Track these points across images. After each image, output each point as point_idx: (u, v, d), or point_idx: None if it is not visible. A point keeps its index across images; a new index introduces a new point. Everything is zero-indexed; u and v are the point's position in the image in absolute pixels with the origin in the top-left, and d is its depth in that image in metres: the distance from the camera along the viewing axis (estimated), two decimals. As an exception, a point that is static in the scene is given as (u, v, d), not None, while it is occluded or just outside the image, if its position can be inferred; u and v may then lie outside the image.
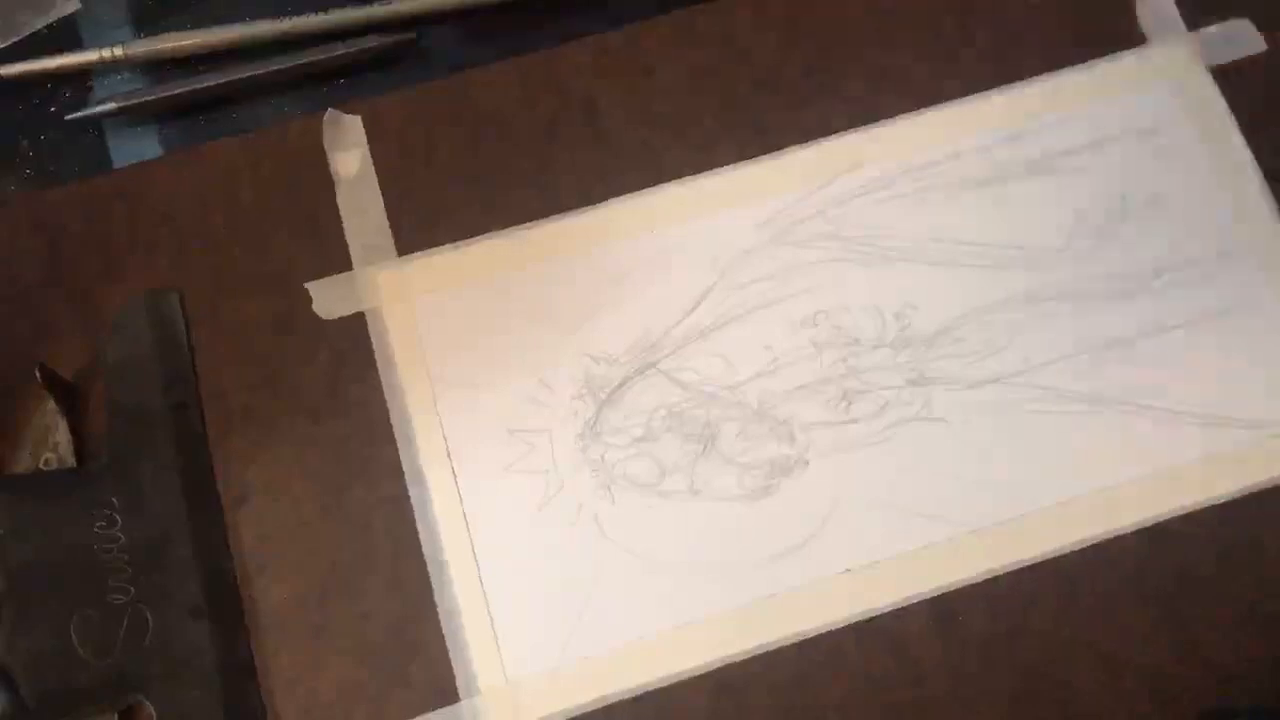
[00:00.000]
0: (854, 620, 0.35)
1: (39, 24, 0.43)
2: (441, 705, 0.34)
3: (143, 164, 0.41)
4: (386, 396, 0.37)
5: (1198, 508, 0.36)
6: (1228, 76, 0.40)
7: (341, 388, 0.37)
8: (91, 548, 0.35)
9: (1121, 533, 0.35)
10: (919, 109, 0.40)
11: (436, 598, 0.35)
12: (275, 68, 0.42)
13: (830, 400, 0.37)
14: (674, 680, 0.35)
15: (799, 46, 0.41)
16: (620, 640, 0.35)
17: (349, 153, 0.40)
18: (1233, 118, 0.40)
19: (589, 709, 0.34)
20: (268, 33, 0.42)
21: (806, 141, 0.40)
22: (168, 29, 0.43)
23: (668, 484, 0.36)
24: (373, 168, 0.40)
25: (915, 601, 0.35)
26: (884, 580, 0.35)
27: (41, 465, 0.37)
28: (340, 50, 0.42)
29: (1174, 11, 0.41)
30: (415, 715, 0.34)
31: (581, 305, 0.38)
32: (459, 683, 0.35)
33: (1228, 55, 0.40)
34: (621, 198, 0.39)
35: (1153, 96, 0.40)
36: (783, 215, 0.39)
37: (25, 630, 0.34)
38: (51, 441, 0.37)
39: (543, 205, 0.39)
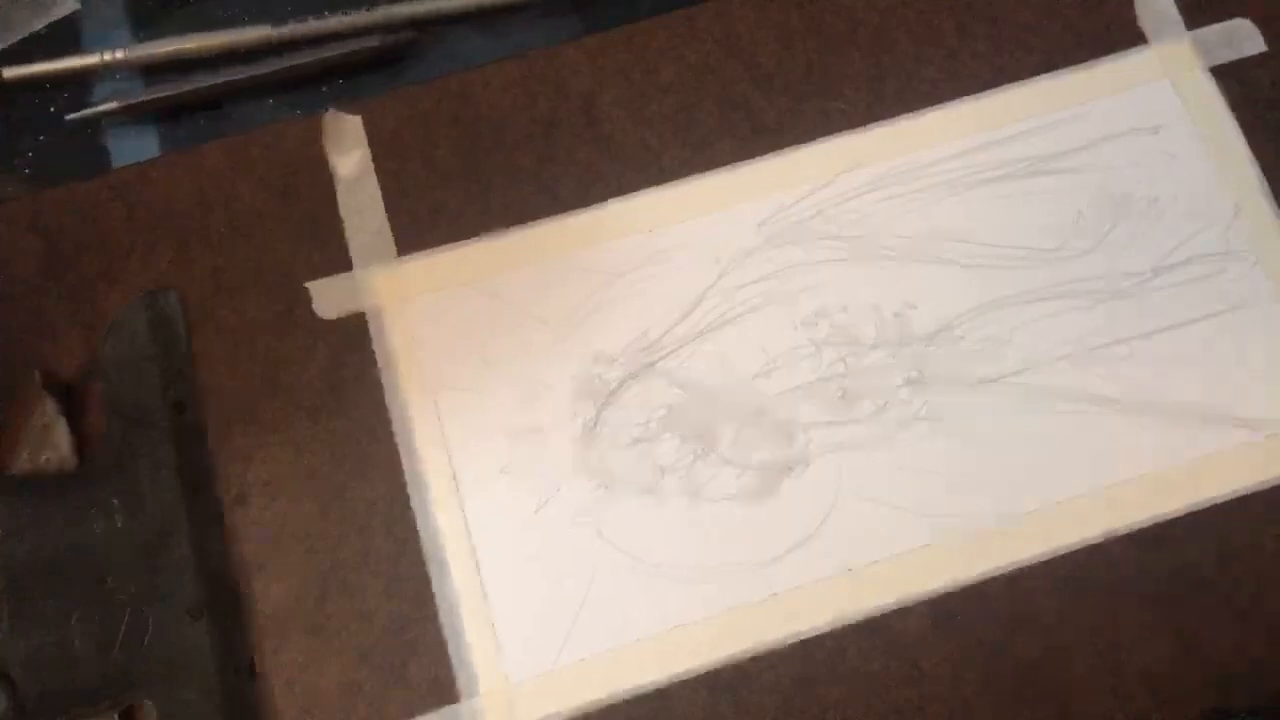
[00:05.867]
0: (854, 620, 0.35)
1: (39, 24, 0.43)
2: (441, 705, 0.34)
3: (142, 164, 0.41)
4: (386, 396, 0.37)
5: (1198, 508, 0.36)
6: (1228, 76, 0.40)
7: (341, 387, 0.37)
8: (91, 548, 0.35)
9: (1121, 533, 0.35)
10: (919, 109, 0.40)
11: (436, 598, 0.35)
12: (275, 68, 0.42)
13: (830, 400, 0.37)
14: (673, 681, 0.35)
15: (799, 46, 0.41)
16: (619, 641, 0.35)
17: (349, 153, 0.40)
18: (1233, 118, 0.40)
19: (588, 709, 0.34)
20: (267, 36, 0.42)
21: (806, 141, 0.40)
22: (167, 29, 0.43)
23: (667, 484, 0.36)
24: (372, 168, 0.40)
25: (915, 601, 0.35)
26: (884, 580, 0.35)
27: (41, 465, 0.37)
28: (340, 50, 0.42)
29: (1174, 11, 0.41)
30: (415, 715, 0.34)
31: (581, 305, 0.38)
32: (458, 683, 0.35)
33: (1228, 55, 0.40)
34: (621, 197, 0.39)
35: (1153, 96, 0.40)
36: (782, 215, 0.39)
37: (25, 630, 0.34)
38: (51, 441, 0.37)
39: (542, 205, 0.39)
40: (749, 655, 0.35)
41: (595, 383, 0.38)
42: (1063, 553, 0.35)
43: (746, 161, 0.40)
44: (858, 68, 0.41)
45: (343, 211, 0.39)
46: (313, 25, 0.42)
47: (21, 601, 0.34)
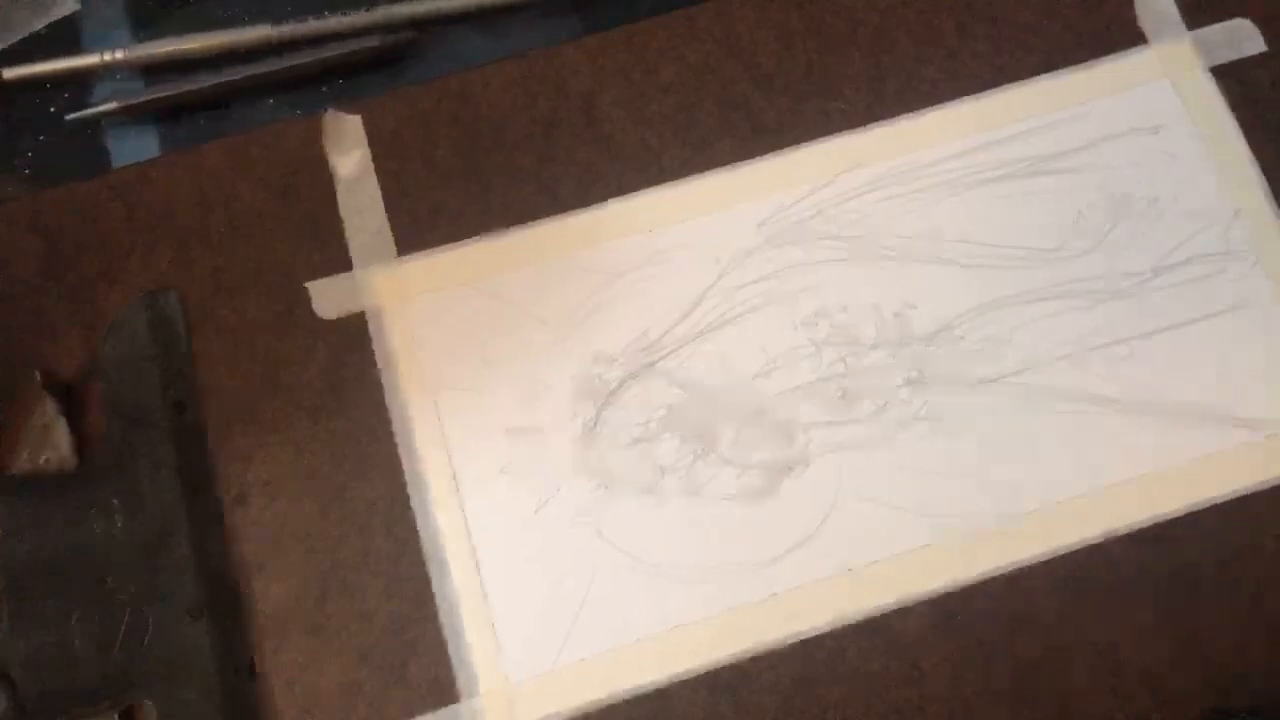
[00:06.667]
0: (854, 620, 0.35)
1: (39, 24, 0.43)
2: (441, 705, 0.34)
3: (142, 164, 0.41)
4: (386, 396, 0.37)
5: (1198, 508, 0.36)
6: (1228, 76, 0.40)
7: (341, 387, 0.37)
8: (91, 548, 0.35)
9: (1121, 533, 0.35)
10: (919, 109, 0.40)
11: (436, 598, 0.35)
12: (275, 68, 0.42)
13: (830, 400, 0.37)
14: (673, 681, 0.35)
15: (799, 46, 0.41)
16: (619, 641, 0.35)
17: (349, 153, 0.40)
18: (1233, 118, 0.40)
19: (587, 709, 0.34)
20: (267, 36, 0.42)
21: (806, 141, 0.40)
22: (167, 29, 0.43)
23: (667, 484, 0.36)
24: (372, 168, 0.40)
25: (915, 601, 0.35)
26: (884, 580, 0.35)
27: (41, 465, 0.37)
28: (340, 50, 0.42)
29: (1174, 11, 0.41)
30: (415, 715, 0.34)
31: (581, 305, 0.38)
32: (459, 683, 0.35)
33: (1228, 55, 0.40)
34: (621, 197, 0.39)
35: (1153, 96, 0.40)
36: (782, 215, 0.39)
37: (25, 630, 0.34)
38: (51, 441, 0.37)
39: (542, 205, 0.39)
40: (749, 655, 0.35)
41: (595, 383, 0.38)
42: (1063, 553, 0.35)
43: (746, 161, 0.40)
44: (858, 68, 0.41)
45: (343, 211, 0.39)
46: (313, 25, 0.42)
47: (21, 601, 0.34)
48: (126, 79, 0.43)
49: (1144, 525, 0.35)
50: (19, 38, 0.43)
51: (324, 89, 0.43)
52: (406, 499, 0.36)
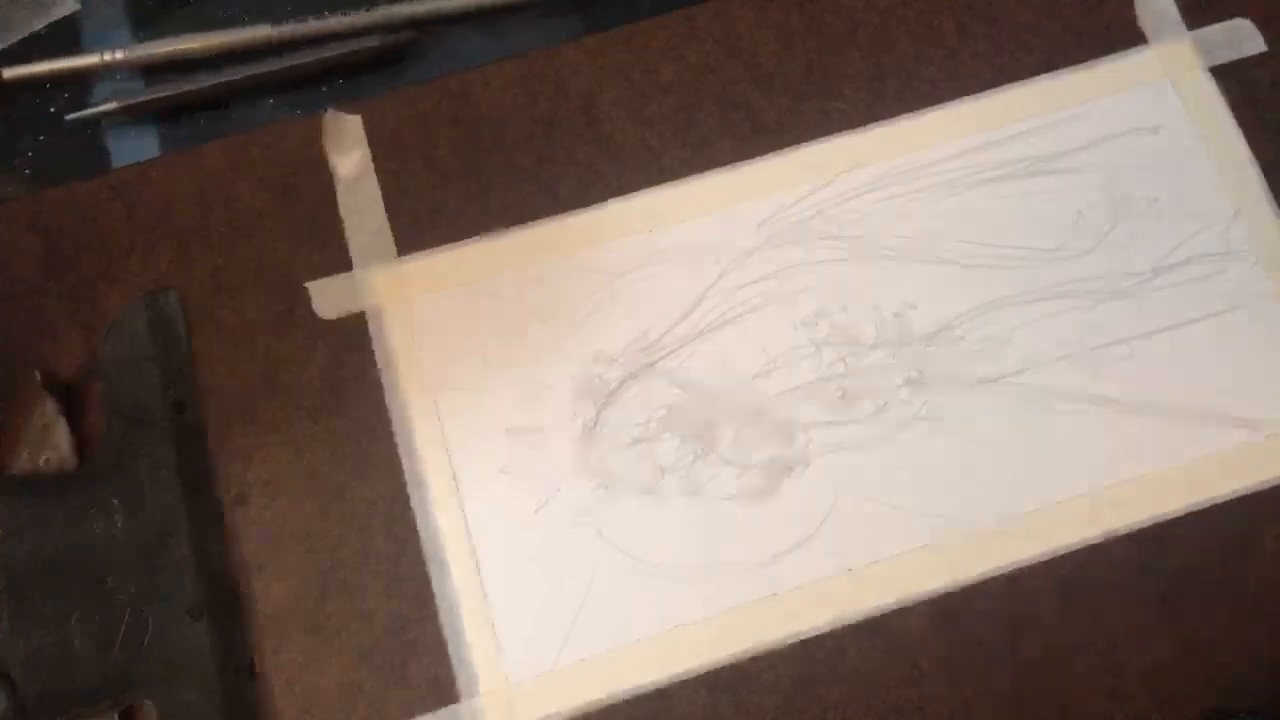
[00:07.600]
0: (854, 620, 0.35)
1: (39, 24, 0.43)
2: (441, 705, 0.34)
3: (142, 164, 0.41)
4: (386, 396, 0.37)
5: (1198, 508, 0.36)
6: (1228, 76, 0.40)
7: (341, 387, 0.37)
8: (91, 548, 0.35)
9: (1121, 533, 0.35)
10: (919, 109, 0.40)
11: (436, 598, 0.35)
12: (275, 68, 0.42)
13: (830, 400, 0.37)
14: (673, 681, 0.35)
15: (799, 46, 0.41)
16: (619, 641, 0.35)
17: (349, 153, 0.40)
18: (1233, 118, 0.40)
19: (588, 709, 0.34)
20: (267, 36, 0.42)
21: (807, 141, 0.40)
22: (167, 29, 0.43)
23: (667, 484, 0.36)
24: (372, 168, 0.40)
25: (915, 601, 0.35)
26: (884, 580, 0.35)
27: (41, 465, 0.37)
28: (340, 50, 0.42)
29: (1174, 11, 0.41)
30: (415, 715, 0.34)
31: (581, 305, 0.38)
32: (459, 683, 0.35)
33: (1228, 55, 0.40)
34: (621, 197, 0.39)
35: (1153, 96, 0.40)
36: (782, 215, 0.39)
37: (25, 630, 0.34)
38: (51, 441, 0.37)
39: (542, 205, 0.39)
40: (749, 655, 0.35)
41: (595, 383, 0.38)
42: (1063, 553, 0.35)
43: (746, 161, 0.40)
44: (858, 68, 0.41)
45: (343, 211, 0.39)
46: (313, 25, 0.42)
47: (21, 601, 0.34)
48: (126, 79, 0.43)
49: (1144, 525, 0.35)
50: (19, 38, 0.43)
51: (324, 89, 0.43)
52: (406, 499, 0.36)
